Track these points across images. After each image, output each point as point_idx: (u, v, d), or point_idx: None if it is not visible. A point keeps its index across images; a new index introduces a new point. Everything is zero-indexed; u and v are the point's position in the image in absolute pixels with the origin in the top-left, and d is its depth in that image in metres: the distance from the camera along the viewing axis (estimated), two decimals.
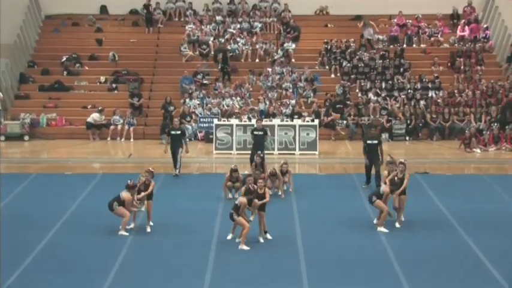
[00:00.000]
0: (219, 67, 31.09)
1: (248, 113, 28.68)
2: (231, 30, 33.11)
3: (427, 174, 22.07)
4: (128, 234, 15.20)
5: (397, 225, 16.04)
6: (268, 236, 14.99)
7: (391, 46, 32.82)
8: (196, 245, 14.66)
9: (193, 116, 29.16)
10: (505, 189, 19.87)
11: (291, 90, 30.53)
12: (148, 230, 15.65)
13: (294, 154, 25.65)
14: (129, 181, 15.50)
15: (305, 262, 13.66)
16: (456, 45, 32.92)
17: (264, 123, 26.16)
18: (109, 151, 27.27)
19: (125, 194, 15.35)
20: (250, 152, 21.49)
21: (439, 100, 29.98)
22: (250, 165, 19.34)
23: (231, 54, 32.23)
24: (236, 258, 13.94)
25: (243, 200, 14.52)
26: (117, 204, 15.30)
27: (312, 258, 13.85)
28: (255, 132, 21.53)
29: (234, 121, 26.23)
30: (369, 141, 19.77)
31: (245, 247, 14.36)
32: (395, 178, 16.08)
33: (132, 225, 15.64)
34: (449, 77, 31.70)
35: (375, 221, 16.16)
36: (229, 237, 14.95)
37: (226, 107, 29.37)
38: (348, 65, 31.69)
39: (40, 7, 34.26)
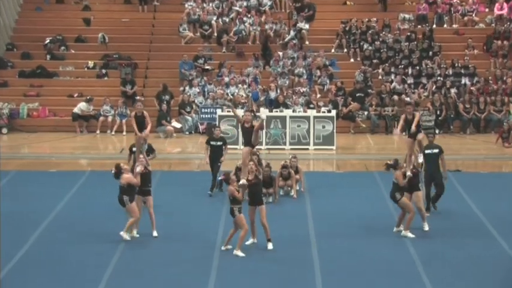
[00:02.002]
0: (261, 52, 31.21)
1: (262, 94, 28.79)
2: (237, 8, 33.09)
3: (460, 172, 22.03)
4: (129, 238, 15.20)
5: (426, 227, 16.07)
6: (270, 246, 14.83)
7: (419, 26, 32.73)
8: (197, 252, 14.67)
9: (194, 105, 29.20)
10: None
11: (305, 77, 30.51)
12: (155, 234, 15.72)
13: (307, 149, 25.64)
14: (112, 171, 15.41)
15: (320, 272, 13.65)
16: (493, 25, 32.81)
17: (274, 114, 26.27)
18: (98, 145, 27.31)
19: (123, 179, 15.23)
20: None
21: (473, 88, 29.89)
22: (213, 184, 18.89)
23: (236, 36, 32.25)
24: (242, 267, 13.94)
25: (230, 188, 14.54)
26: (128, 199, 15.19)
27: (328, 268, 13.84)
28: (212, 143, 19.19)
29: (240, 112, 26.17)
30: (427, 151, 17.34)
31: (240, 253, 14.37)
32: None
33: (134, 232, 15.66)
34: (485, 62, 31.60)
35: (398, 227, 16.14)
36: (223, 248, 14.89)
37: (230, 96, 29.38)
38: (370, 48, 31.63)
39: None
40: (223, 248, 14.75)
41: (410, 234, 15.67)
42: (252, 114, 16.07)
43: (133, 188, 15.25)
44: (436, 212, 17.29)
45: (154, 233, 15.62)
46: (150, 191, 15.71)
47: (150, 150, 17.32)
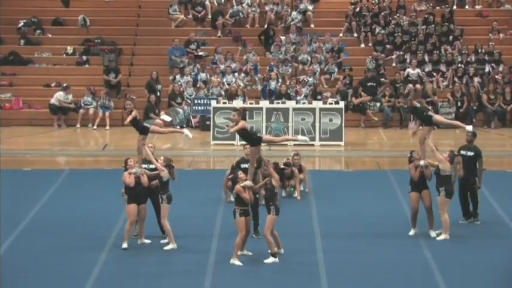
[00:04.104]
0: None
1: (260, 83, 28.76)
2: None
3: (483, 171, 21.98)
4: (127, 247, 15.16)
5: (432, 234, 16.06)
6: (269, 260, 14.55)
7: (438, 8, 32.73)
8: (189, 263, 14.65)
9: (185, 96, 29.21)
10: None
11: (316, 66, 30.44)
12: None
13: (313, 145, 25.63)
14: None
15: (327, 281, 13.65)
16: None
17: (275, 106, 26.25)
18: (78, 141, 27.30)
19: (125, 178, 15.19)
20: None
21: (498, 76, 29.88)
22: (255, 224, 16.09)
23: (233, 18, 32.24)
24: (240, 276, 13.93)
25: (237, 187, 14.51)
26: (126, 199, 15.14)
27: (336, 277, 13.85)
28: (243, 165, 16.68)
29: (237, 103, 26.21)
30: (462, 152, 16.86)
31: (237, 262, 14.34)
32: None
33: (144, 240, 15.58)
34: (511, 47, 31.60)
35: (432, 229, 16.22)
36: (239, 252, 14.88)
37: (227, 86, 29.39)
38: (382, 31, 31.62)
39: None
40: (239, 252, 14.71)
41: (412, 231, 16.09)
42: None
43: (131, 189, 15.16)
44: (457, 215, 17.25)
45: (168, 246, 15.29)
46: (161, 198, 15.29)
47: (169, 166, 15.48)
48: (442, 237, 15.88)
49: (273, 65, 30.11)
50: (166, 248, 15.23)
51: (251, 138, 14.89)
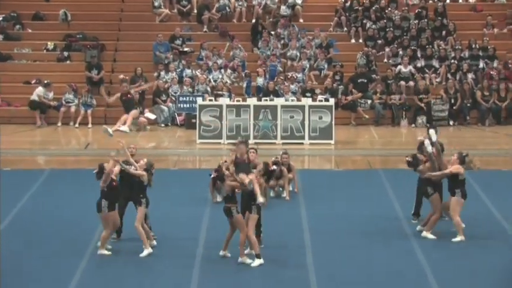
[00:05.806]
0: None
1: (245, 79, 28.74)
2: None
3: (478, 170, 22.04)
4: (109, 253, 15.07)
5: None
6: (256, 263, 14.47)
7: (430, 1, 32.77)
8: (174, 265, 14.63)
9: (170, 93, 29.19)
10: None
11: (305, 62, 30.43)
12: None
13: (302, 144, 25.63)
14: (94, 170, 15.13)
15: (317, 286, 13.65)
16: None
17: (263, 103, 26.23)
18: (59, 140, 27.23)
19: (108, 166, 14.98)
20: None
21: (492, 73, 29.93)
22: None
23: (219, 13, 32.23)
24: (226, 281, 13.92)
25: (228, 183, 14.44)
26: (106, 205, 14.85)
27: (326, 282, 13.85)
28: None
29: (223, 101, 26.20)
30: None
31: (248, 260, 14.31)
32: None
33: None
34: (506, 43, 31.68)
35: (418, 227, 16.38)
36: (221, 253, 14.87)
37: (213, 83, 29.37)
38: (373, 26, 31.63)
39: None
40: (221, 253, 14.72)
41: (430, 236, 15.98)
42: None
43: (114, 193, 15.01)
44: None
45: (144, 252, 15.04)
46: (140, 201, 15.17)
47: (148, 171, 15.43)
48: (458, 238, 15.94)
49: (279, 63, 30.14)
50: (142, 254, 15.02)
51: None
